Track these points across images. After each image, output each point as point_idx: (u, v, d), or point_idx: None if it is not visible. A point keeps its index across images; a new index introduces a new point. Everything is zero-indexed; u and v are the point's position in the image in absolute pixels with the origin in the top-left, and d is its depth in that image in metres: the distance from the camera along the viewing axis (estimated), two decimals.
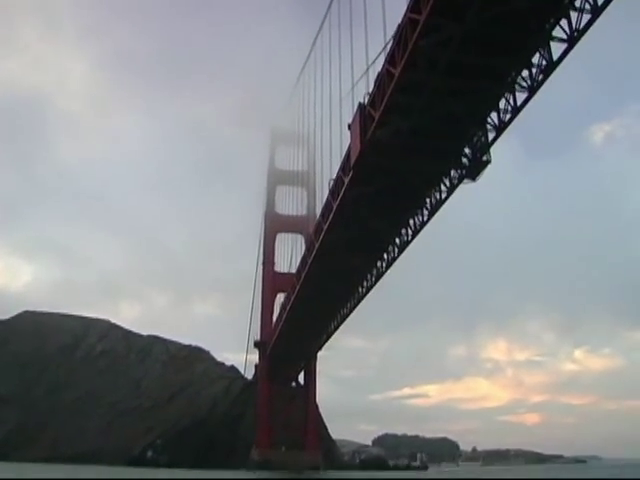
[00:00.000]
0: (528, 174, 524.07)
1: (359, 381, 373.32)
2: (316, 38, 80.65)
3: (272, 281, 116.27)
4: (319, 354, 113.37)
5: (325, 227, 60.96)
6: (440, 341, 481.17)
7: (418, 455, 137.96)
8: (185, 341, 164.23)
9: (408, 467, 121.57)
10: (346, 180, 52.40)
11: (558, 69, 38.86)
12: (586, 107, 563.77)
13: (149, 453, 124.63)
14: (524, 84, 41.11)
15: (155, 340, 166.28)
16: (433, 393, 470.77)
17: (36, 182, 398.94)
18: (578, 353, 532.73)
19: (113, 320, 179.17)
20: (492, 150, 46.64)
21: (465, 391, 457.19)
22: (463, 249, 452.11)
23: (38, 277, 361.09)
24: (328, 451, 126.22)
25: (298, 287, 78.58)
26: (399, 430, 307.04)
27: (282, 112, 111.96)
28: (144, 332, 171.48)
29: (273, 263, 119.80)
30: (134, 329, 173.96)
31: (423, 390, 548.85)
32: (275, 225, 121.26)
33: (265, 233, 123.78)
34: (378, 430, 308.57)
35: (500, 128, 44.67)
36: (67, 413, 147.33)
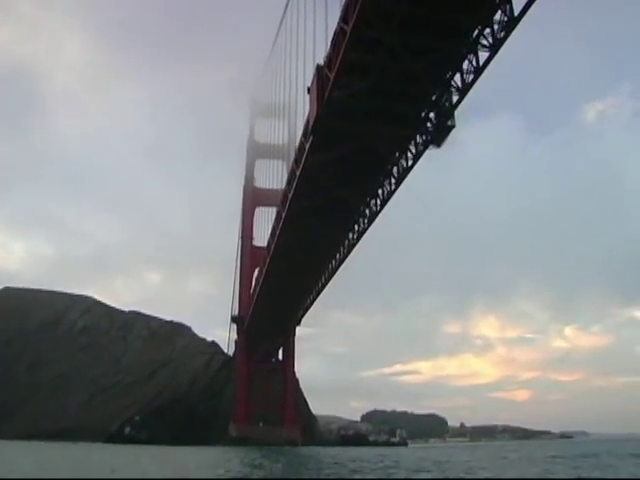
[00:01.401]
0: (526, 152, 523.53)
1: (351, 358, 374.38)
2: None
3: (250, 256, 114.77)
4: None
5: (290, 196, 59.16)
6: (433, 318, 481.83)
7: (397, 431, 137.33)
8: (175, 318, 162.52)
9: (387, 443, 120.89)
10: (307, 146, 50.52)
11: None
12: (582, 85, 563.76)
13: (127, 429, 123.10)
14: (485, 43, 39.41)
15: (137, 316, 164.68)
16: (425, 370, 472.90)
17: (30, 154, 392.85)
18: (568, 330, 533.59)
19: (104, 297, 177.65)
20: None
21: (456, 368, 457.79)
22: (460, 228, 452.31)
23: (30, 252, 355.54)
24: (308, 427, 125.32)
25: (268, 260, 76.99)
26: (391, 407, 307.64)
27: (260, 83, 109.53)
28: (136, 308, 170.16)
29: (252, 237, 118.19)
30: (125, 306, 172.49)
31: (415, 367, 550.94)
32: (254, 199, 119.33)
33: (244, 207, 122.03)
34: (369, 406, 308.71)
35: (463, 90, 42.87)
36: (48, 390, 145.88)
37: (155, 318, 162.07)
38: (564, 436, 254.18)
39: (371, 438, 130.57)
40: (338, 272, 77.01)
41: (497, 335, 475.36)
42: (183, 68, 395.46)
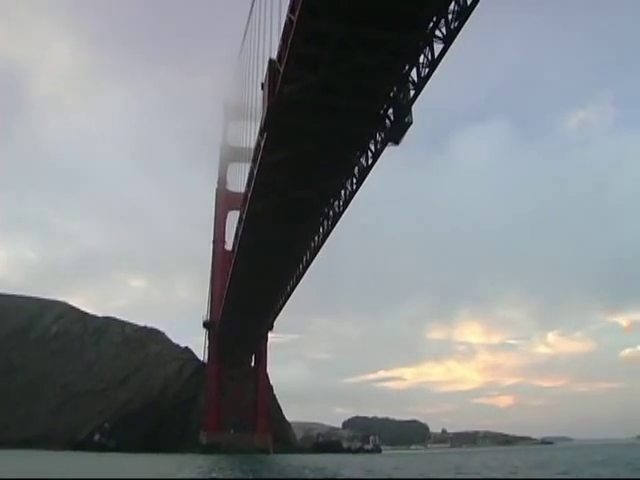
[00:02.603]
0: (513, 160, 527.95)
1: (336, 364, 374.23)
2: None
3: (222, 260, 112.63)
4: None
5: (249, 196, 57.48)
6: (418, 324, 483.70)
7: (371, 438, 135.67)
8: (157, 323, 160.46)
9: (360, 450, 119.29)
10: (262, 143, 48.84)
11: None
12: (569, 92, 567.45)
13: (96, 437, 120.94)
14: (440, 34, 37.99)
15: (111, 322, 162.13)
16: (408, 376, 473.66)
17: (14, 156, 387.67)
18: (551, 337, 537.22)
19: (85, 302, 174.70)
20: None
21: (440, 374, 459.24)
22: (447, 235, 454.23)
23: (12, 256, 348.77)
24: (281, 434, 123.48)
25: (232, 263, 75.25)
26: (375, 413, 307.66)
27: (232, 85, 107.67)
28: (117, 313, 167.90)
29: (224, 241, 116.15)
30: (107, 311, 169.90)
31: (399, 373, 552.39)
32: (227, 202, 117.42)
33: (216, 211, 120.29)
34: (353, 413, 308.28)
35: (419, 84, 41.38)
36: (18, 396, 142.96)
37: (129, 324, 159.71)
38: (545, 442, 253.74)
39: (345, 445, 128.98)
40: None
41: (481, 341, 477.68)
42: (169, 71, 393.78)
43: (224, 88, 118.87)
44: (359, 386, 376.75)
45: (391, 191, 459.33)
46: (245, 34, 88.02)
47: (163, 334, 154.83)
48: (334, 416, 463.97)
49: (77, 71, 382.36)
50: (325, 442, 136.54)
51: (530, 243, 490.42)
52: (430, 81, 40.50)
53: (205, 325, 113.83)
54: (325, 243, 66.06)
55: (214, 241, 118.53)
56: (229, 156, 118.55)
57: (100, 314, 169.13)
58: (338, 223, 61.14)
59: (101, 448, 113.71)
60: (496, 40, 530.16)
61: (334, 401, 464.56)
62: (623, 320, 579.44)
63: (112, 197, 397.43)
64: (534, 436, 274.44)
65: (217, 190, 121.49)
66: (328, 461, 56.09)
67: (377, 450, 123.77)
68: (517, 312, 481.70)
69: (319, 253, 69.00)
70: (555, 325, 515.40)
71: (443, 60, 38.46)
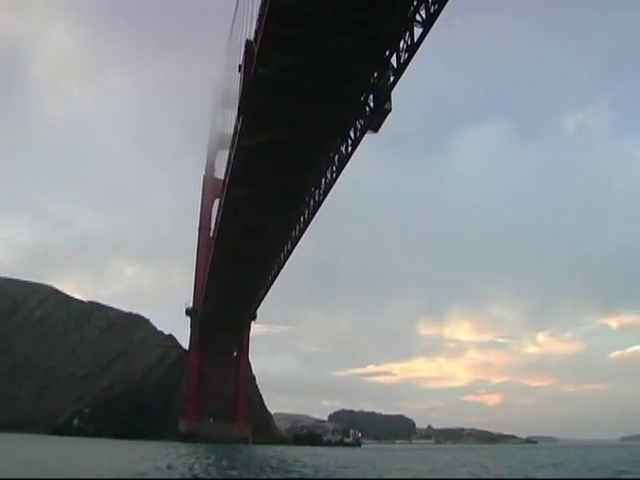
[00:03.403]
0: (510, 161, 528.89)
1: (326, 357, 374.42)
2: None
3: (207, 247, 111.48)
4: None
5: (227, 181, 56.40)
6: (409, 320, 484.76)
7: (351, 431, 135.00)
8: (146, 310, 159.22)
9: (340, 443, 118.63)
10: (238, 127, 47.73)
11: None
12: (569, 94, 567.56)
13: (75, 422, 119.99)
14: (419, 18, 36.91)
15: (95, 307, 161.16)
16: (398, 371, 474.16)
17: (10, 137, 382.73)
18: (541, 337, 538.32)
19: (77, 286, 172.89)
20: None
21: (429, 370, 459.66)
22: (443, 233, 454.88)
23: (4, 238, 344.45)
24: (262, 424, 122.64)
25: (212, 250, 74.24)
26: (363, 407, 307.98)
27: (221, 71, 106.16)
28: (108, 298, 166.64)
29: (209, 229, 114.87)
30: (98, 297, 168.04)
31: (388, 368, 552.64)
32: (214, 190, 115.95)
33: (203, 198, 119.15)
34: (341, 406, 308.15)
35: (398, 70, 40.28)
36: (1, 380, 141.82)
37: (114, 309, 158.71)
38: (530, 441, 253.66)
39: (325, 438, 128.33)
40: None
41: (471, 339, 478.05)
42: (168, 56, 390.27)
43: (214, 74, 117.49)
44: (348, 380, 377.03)
45: (389, 187, 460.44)
46: (234, 18, 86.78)
47: (147, 321, 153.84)
48: (322, 409, 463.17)
49: (76, 53, 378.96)
50: (305, 434, 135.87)
51: (525, 243, 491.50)
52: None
53: (188, 313, 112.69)
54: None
55: (200, 228, 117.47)
56: (217, 143, 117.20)
57: (90, 299, 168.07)
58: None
59: (80, 433, 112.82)
60: (497, 40, 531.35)
61: (323, 394, 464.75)
62: (613, 322, 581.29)
63: (108, 182, 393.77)
64: (520, 435, 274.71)
65: (204, 177, 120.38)
66: (299, 454, 55.19)
67: (357, 444, 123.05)
68: (508, 311, 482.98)
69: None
70: (545, 325, 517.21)
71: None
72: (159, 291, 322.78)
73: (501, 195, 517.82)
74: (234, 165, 52.79)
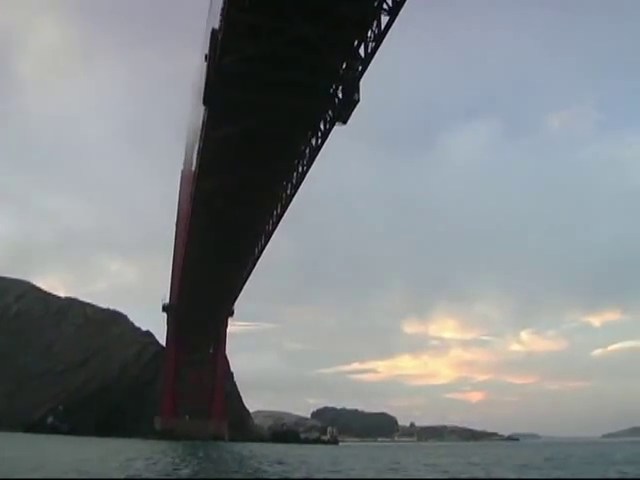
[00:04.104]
0: (499, 159, 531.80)
1: (310, 354, 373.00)
2: None
3: (183, 242, 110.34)
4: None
5: (196, 173, 55.40)
6: (395, 318, 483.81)
7: (328, 429, 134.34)
8: (129, 306, 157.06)
9: (317, 441, 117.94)
10: (205, 118, 46.79)
11: None
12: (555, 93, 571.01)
13: (49, 419, 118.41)
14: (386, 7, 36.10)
15: (73, 303, 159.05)
16: (382, 369, 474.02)
17: None
18: (524, 335, 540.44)
19: (60, 283, 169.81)
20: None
21: (414, 368, 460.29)
22: (430, 230, 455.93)
23: None
24: (240, 421, 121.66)
25: (185, 244, 73.23)
26: (347, 404, 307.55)
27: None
28: (91, 295, 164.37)
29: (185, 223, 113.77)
30: (81, 294, 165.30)
31: (372, 366, 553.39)
32: (190, 184, 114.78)
33: (180, 192, 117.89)
34: (325, 404, 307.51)
35: (366, 59, 39.44)
36: None
37: (92, 305, 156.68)
38: (512, 438, 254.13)
39: (302, 436, 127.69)
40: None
41: (455, 337, 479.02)
42: (158, 49, 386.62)
43: (192, 66, 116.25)
44: (333, 377, 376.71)
45: (377, 185, 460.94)
46: (210, 8, 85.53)
47: (125, 317, 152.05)
48: (307, 406, 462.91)
49: (62, 47, 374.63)
50: (283, 432, 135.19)
51: (512, 242, 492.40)
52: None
53: (164, 309, 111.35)
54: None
55: (177, 223, 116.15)
56: (194, 136, 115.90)
57: (73, 295, 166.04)
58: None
59: (54, 431, 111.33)
60: (487, 40, 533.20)
61: (308, 391, 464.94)
62: (596, 320, 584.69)
63: (94, 176, 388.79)
64: (504, 432, 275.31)
65: (182, 171, 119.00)
66: (270, 451, 54.35)
67: (334, 442, 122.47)
68: (493, 309, 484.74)
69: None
70: (529, 323, 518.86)
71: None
72: (143, 287, 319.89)
73: (489, 194, 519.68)
74: (202, 157, 51.97)
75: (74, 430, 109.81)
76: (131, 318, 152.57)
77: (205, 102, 43.32)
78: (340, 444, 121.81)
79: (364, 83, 41.35)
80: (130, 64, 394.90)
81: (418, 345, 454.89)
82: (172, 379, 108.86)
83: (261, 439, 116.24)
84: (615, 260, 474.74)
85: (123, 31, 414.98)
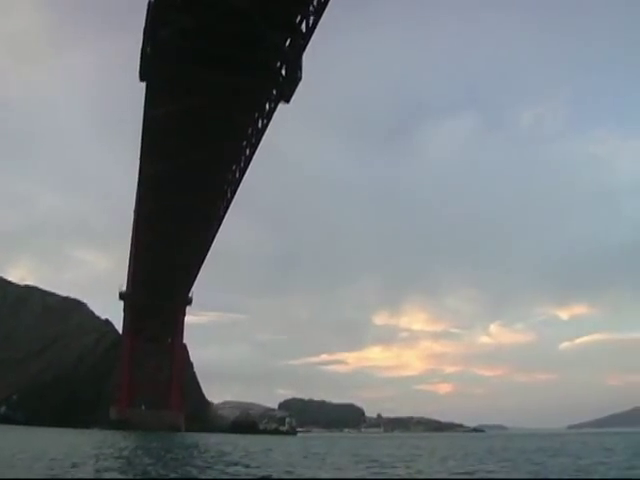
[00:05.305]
0: (477, 154, 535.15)
1: (280, 345, 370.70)
2: None
3: None
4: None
5: (139, 156, 53.50)
6: (366, 310, 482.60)
7: (287, 419, 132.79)
8: (92, 295, 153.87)
9: (276, 431, 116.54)
10: (145, 96, 44.94)
11: None
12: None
13: (2, 409, 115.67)
14: None
15: (32, 291, 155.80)
16: (352, 360, 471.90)
17: None
18: (493, 327, 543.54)
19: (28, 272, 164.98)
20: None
21: (383, 360, 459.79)
22: (405, 223, 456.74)
23: None
24: (199, 412, 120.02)
25: (134, 231, 71.28)
26: (315, 396, 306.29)
27: None
28: (56, 285, 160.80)
29: None
30: (53, 284, 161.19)
31: (342, 357, 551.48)
32: None
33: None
34: (294, 395, 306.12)
35: (306, 34, 38.03)
36: None
37: (51, 293, 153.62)
38: (477, 430, 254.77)
39: (261, 426, 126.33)
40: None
41: (425, 329, 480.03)
42: (132, 35, 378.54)
43: None
44: (302, 368, 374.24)
45: (352, 178, 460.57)
46: None
47: (85, 305, 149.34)
48: (276, 397, 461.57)
49: (32, 34, 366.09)
50: (241, 423, 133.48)
51: (485, 236, 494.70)
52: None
53: (121, 297, 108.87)
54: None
55: (135, 210, 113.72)
56: None
57: (42, 284, 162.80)
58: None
59: (7, 421, 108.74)
60: (464, 36, 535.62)
61: (277, 382, 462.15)
62: (564, 313, 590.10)
63: (67, 164, 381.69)
64: (471, 424, 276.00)
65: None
66: (217, 441, 52.95)
67: (292, 432, 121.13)
68: (464, 303, 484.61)
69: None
70: (499, 316, 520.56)
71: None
72: (112, 276, 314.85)
73: (463, 189, 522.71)
74: (145, 139, 50.11)
75: (29, 420, 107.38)
76: (96, 307, 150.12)
77: (142, 78, 41.40)
78: (299, 435, 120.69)
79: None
80: (100, 48, 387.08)
81: (388, 337, 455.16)
82: (128, 368, 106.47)
83: (220, 430, 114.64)
84: (585, 255, 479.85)
85: (94, 15, 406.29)
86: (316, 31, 37.66)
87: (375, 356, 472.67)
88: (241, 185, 56.87)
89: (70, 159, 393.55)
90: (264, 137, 48.90)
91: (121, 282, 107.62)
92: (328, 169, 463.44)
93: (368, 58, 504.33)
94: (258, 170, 56.85)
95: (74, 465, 20.19)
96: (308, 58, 40.14)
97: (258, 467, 21.58)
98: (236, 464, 22.71)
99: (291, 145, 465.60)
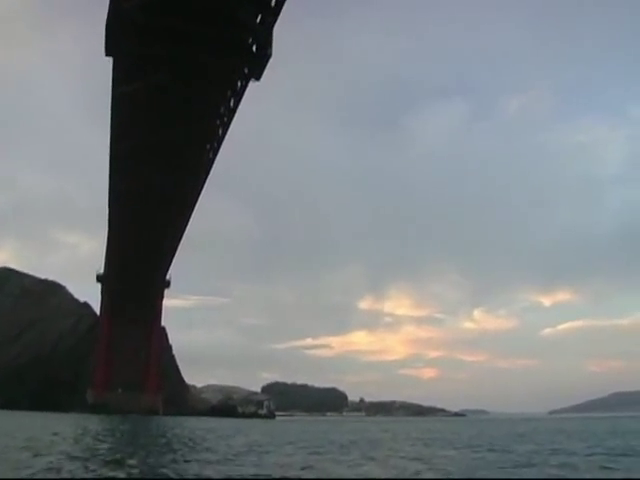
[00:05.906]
0: (464, 141, 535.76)
1: (265, 330, 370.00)
2: None
3: None
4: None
5: (110, 133, 52.36)
6: (350, 294, 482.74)
7: (265, 403, 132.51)
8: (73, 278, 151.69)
9: (254, 415, 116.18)
10: (112, 74, 43.85)
11: None
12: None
13: None
14: None
15: (9, 273, 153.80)
16: (336, 344, 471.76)
17: None
18: (477, 313, 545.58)
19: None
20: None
21: (367, 344, 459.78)
22: (392, 210, 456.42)
23: None
24: (178, 395, 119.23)
25: (108, 212, 70.16)
26: (299, 380, 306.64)
27: None
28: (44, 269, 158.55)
29: None
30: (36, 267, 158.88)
31: (326, 341, 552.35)
32: None
33: None
34: (278, 378, 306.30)
35: (275, 9, 37.12)
36: None
37: (29, 276, 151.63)
38: (458, 414, 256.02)
39: (239, 410, 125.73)
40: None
41: (410, 314, 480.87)
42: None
43: None
44: (287, 352, 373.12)
45: (338, 163, 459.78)
46: None
47: (64, 288, 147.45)
48: (260, 381, 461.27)
49: (17, 15, 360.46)
50: (220, 406, 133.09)
51: (471, 223, 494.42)
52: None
53: (99, 279, 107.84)
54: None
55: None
56: None
57: (27, 268, 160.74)
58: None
59: None
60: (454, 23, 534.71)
61: (261, 366, 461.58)
62: (547, 300, 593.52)
63: (53, 146, 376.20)
64: (453, 408, 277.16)
65: None
66: (205, 425, 52.48)
67: (271, 416, 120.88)
68: (448, 289, 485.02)
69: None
70: (482, 302, 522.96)
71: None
72: (94, 259, 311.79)
73: (450, 175, 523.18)
74: (114, 117, 48.97)
75: (6, 404, 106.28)
76: (77, 290, 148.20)
77: (107, 52, 40.23)
78: (278, 418, 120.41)
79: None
80: (79, 25, 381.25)
81: (372, 322, 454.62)
82: (105, 351, 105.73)
83: (199, 413, 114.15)
84: (569, 243, 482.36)
85: None
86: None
87: (359, 340, 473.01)
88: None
89: (52, 139, 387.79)
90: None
91: (100, 265, 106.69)
92: (316, 154, 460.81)
93: (358, 44, 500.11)
94: (245, 155, 56.14)
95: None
96: (297, 43, 39.38)
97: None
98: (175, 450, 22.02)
99: (279, 130, 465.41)
